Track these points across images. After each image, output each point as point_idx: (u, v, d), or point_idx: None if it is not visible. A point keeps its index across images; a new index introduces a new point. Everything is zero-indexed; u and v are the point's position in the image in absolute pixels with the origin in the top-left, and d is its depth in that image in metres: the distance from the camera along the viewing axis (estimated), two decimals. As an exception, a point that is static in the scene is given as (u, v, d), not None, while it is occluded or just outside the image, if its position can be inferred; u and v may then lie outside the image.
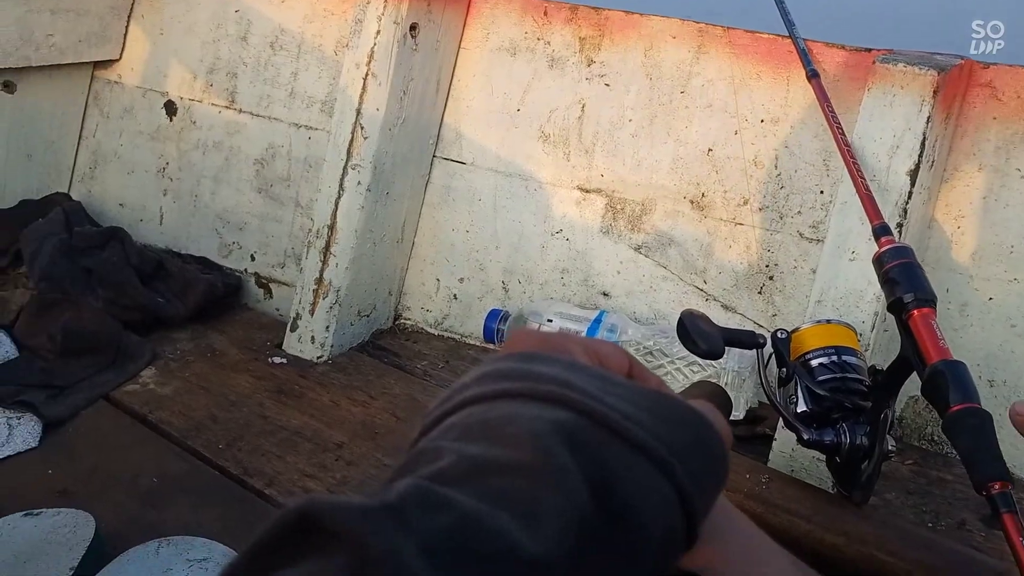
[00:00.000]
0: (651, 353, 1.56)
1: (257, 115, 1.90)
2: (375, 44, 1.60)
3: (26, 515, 1.08)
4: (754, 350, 1.03)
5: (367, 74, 1.61)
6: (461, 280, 1.78)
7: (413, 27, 1.62)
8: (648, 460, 0.26)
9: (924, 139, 1.29)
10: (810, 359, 1.03)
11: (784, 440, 1.34)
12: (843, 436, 0.99)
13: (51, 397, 1.40)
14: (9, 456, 1.26)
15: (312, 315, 1.64)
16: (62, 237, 1.73)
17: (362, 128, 1.62)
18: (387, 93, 1.62)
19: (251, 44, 1.91)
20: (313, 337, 1.63)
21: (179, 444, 1.33)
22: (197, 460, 1.30)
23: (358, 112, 1.62)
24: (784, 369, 1.01)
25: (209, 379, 1.52)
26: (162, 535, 1.06)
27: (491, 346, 1.69)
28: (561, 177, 1.70)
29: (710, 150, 1.58)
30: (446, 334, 1.78)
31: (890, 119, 1.29)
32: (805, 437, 0.97)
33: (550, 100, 1.70)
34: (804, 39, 1.49)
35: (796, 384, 1.01)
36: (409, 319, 1.81)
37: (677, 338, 1.56)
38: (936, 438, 1.48)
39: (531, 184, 1.72)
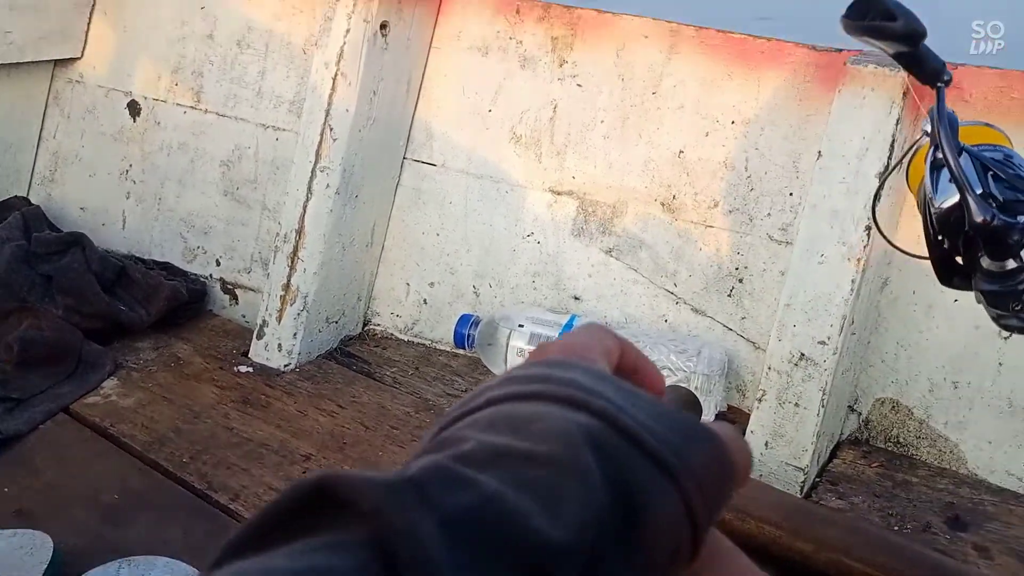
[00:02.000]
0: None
1: (223, 115, 1.86)
2: (345, 43, 1.57)
3: (-20, 536, 1.04)
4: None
5: (336, 73, 1.58)
6: (432, 284, 1.76)
7: (383, 25, 1.59)
8: (661, 472, 0.26)
9: (893, 141, 1.29)
10: (975, 150, 0.74)
11: (753, 444, 1.34)
12: None
13: (8, 410, 1.36)
14: (-37, 473, 1.23)
15: (279, 322, 1.61)
16: (20, 243, 1.68)
17: (331, 129, 1.59)
18: (357, 93, 1.59)
19: (218, 42, 1.87)
20: (280, 345, 1.60)
21: (141, 458, 1.30)
22: (160, 475, 1.27)
23: (327, 113, 1.59)
24: (940, 152, 0.68)
25: (173, 390, 1.49)
26: (124, 554, 1.03)
27: (462, 351, 1.67)
28: (533, 179, 1.68)
29: (681, 152, 1.57)
30: (416, 340, 1.75)
31: (860, 120, 1.28)
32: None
33: (522, 100, 1.68)
34: (774, 38, 1.48)
35: (953, 162, 0.69)
36: (379, 325, 1.78)
37: (649, 344, 1.56)
38: (901, 440, 1.48)
39: (502, 186, 1.70)
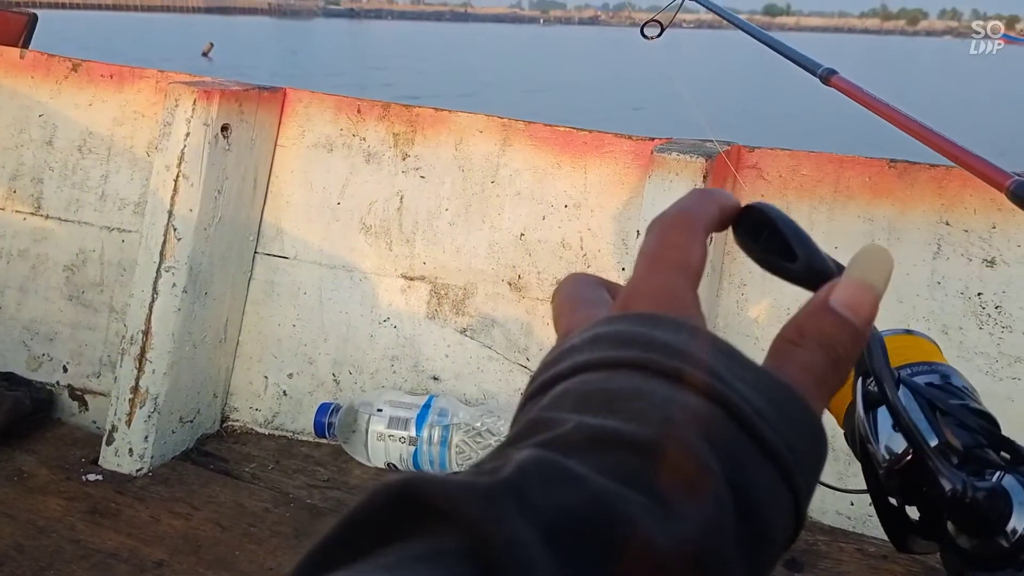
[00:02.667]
0: (480, 434, 1.60)
1: (66, 220, 1.83)
2: (185, 146, 1.60)
3: None
4: None
5: (178, 175, 1.60)
6: (290, 376, 1.77)
7: (225, 128, 1.64)
8: (776, 469, 0.24)
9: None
10: (909, 376, 0.61)
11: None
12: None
13: None
14: None
15: (129, 426, 1.57)
16: None
17: (175, 229, 1.61)
18: (200, 193, 1.61)
19: (57, 148, 1.85)
20: (131, 449, 1.56)
21: (-25, 582, 1.24)
22: (-4, 598, 1.21)
23: (170, 214, 1.60)
24: (873, 381, 0.54)
25: (15, 505, 1.43)
26: None
27: (324, 440, 1.68)
28: (385, 266, 1.74)
29: (522, 234, 1.67)
30: (277, 432, 1.75)
31: (668, 202, 1.40)
32: (974, 488, 0.51)
33: (369, 193, 1.75)
34: (594, 130, 1.62)
35: (901, 409, 0.55)
36: (237, 420, 1.77)
37: (503, 418, 1.62)
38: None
39: (356, 275, 1.75)
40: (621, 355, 0.25)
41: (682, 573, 0.20)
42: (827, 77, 1.06)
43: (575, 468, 0.21)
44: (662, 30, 1.22)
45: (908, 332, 0.64)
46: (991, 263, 1.45)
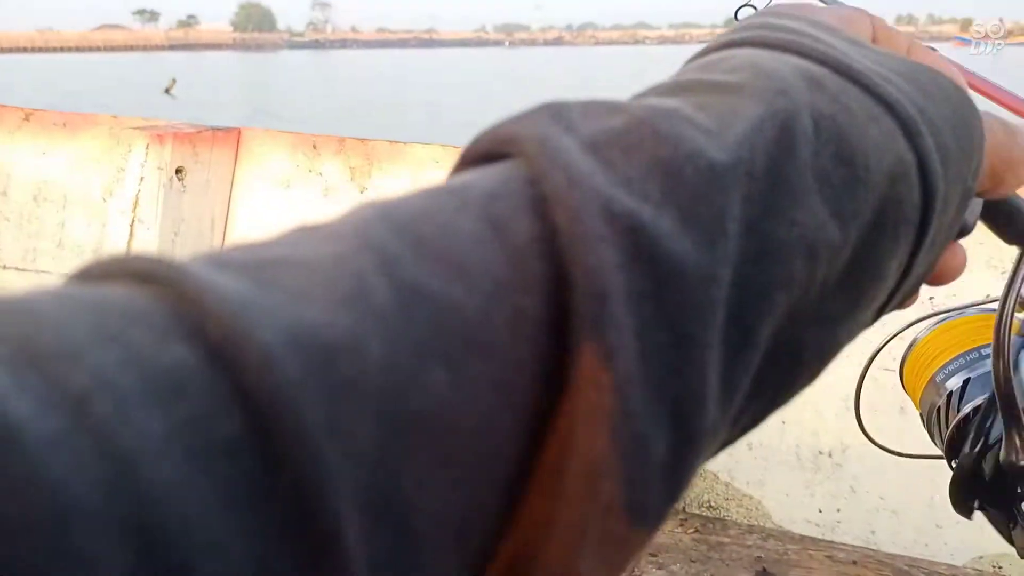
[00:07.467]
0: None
1: (23, 269, 1.82)
2: (140, 190, 1.60)
3: None
4: None
5: (133, 220, 1.60)
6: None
7: (179, 170, 1.64)
8: (893, 118, 0.22)
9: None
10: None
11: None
12: None
13: None
14: None
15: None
16: None
17: (134, 275, 1.60)
18: (156, 236, 1.61)
19: (12, 198, 1.84)
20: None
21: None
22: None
23: (128, 260, 1.60)
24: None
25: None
26: None
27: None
28: (347, 300, 1.75)
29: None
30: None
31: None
32: None
33: (328, 227, 1.75)
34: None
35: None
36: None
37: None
38: (712, 503, 1.60)
39: (318, 310, 1.75)
40: (738, 36, 0.24)
41: (736, 182, 0.19)
42: None
43: (622, 104, 0.20)
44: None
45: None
46: None
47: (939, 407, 0.53)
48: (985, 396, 0.51)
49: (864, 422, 0.63)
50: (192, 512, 0.12)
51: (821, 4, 0.27)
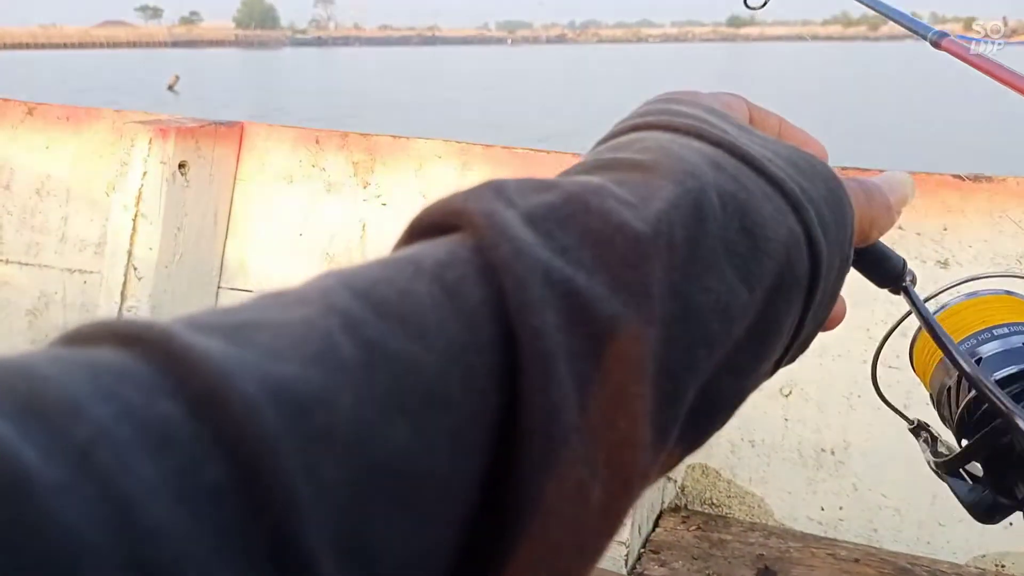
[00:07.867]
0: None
1: (26, 264, 1.82)
2: (143, 184, 1.60)
3: None
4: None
5: (136, 215, 1.60)
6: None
7: (182, 165, 1.64)
8: (782, 196, 0.24)
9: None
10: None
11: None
12: None
13: None
14: None
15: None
16: None
17: (135, 269, 1.60)
18: (159, 231, 1.61)
19: (15, 192, 1.84)
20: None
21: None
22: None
23: (129, 253, 1.60)
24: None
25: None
26: None
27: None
28: (349, 296, 1.74)
29: (485, 257, 1.68)
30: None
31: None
32: None
33: (331, 223, 1.75)
34: (553, 151, 1.64)
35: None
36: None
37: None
38: (715, 501, 1.60)
39: (321, 305, 1.75)
40: (639, 121, 0.27)
41: (658, 251, 0.21)
42: (938, 41, 1.06)
43: (555, 181, 0.22)
44: (765, 2, 1.22)
45: (1008, 293, 0.60)
46: (944, 264, 1.48)
47: (949, 387, 0.54)
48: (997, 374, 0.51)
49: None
50: (184, 550, 0.13)
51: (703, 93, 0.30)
